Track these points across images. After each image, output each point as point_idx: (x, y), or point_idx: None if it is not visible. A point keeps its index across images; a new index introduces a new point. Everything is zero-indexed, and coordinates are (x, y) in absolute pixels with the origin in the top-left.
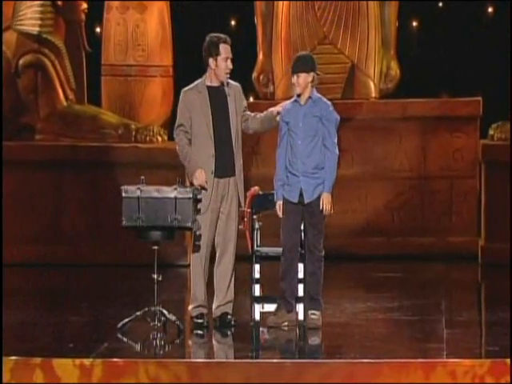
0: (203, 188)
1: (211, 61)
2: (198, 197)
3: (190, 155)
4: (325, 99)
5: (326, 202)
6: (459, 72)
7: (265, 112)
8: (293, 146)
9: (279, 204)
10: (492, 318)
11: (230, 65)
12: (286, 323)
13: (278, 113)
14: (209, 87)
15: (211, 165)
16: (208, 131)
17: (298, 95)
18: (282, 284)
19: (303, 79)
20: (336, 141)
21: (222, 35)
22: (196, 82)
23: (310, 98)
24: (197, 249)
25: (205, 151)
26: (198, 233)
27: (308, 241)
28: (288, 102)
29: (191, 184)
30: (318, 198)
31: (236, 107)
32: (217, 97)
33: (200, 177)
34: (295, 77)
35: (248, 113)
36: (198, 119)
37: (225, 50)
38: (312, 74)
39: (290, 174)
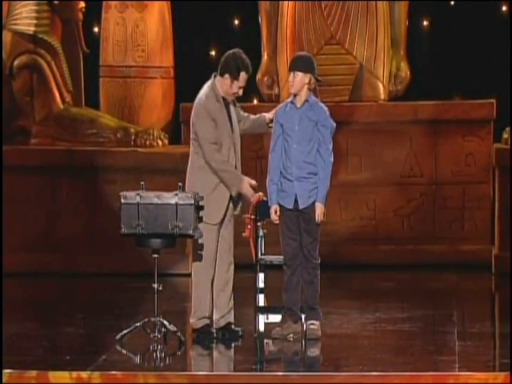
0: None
1: (228, 77)
2: (200, 204)
3: (228, 166)
4: (322, 104)
5: (319, 213)
6: (472, 73)
7: (258, 115)
8: (287, 149)
9: (274, 208)
10: (506, 330)
11: (240, 92)
12: (291, 335)
13: (271, 120)
14: (222, 97)
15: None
16: (231, 142)
17: (295, 95)
18: (285, 294)
19: (299, 79)
20: (331, 148)
21: (246, 61)
22: (209, 91)
23: (306, 101)
24: (199, 258)
25: (231, 162)
26: (200, 241)
27: (303, 248)
28: (282, 104)
29: (239, 195)
30: (313, 203)
31: (236, 117)
32: (227, 107)
33: (249, 186)
34: (292, 75)
35: (242, 113)
36: (221, 129)
37: (243, 79)
38: (309, 75)
39: (284, 179)
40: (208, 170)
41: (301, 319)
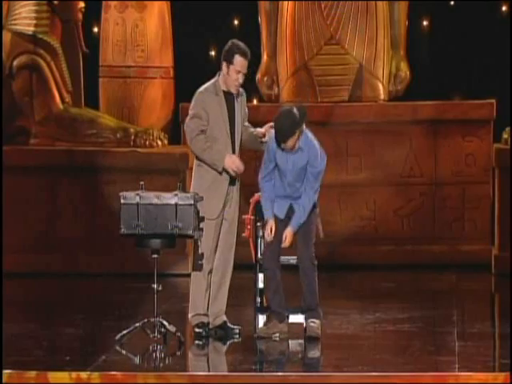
0: (235, 172)
1: (224, 65)
2: (199, 205)
3: (211, 145)
4: (314, 143)
5: (288, 238)
6: (472, 73)
7: (252, 129)
8: (281, 184)
9: (271, 224)
10: (506, 330)
11: (240, 79)
12: (277, 334)
13: (264, 135)
14: (223, 91)
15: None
16: (228, 136)
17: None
18: (268, 297)
19: (292, 141)
20: (317, 186)
21: (242, 46)
22: (210, 84)
23: (299, 147)
24: (199, 257)
25: None
26: (200, 241)
27: (299, 251)
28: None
29: (224, 171)
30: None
31: (241, 115)
32: (229, 101)
33: (235, 160)
34: (283, 145)
35: (246, 123)
36: (216, 123)
37: (239, 62)
38: (297, 132)
39: (279, 198)
40: (203, 166)
41: (286, 318)
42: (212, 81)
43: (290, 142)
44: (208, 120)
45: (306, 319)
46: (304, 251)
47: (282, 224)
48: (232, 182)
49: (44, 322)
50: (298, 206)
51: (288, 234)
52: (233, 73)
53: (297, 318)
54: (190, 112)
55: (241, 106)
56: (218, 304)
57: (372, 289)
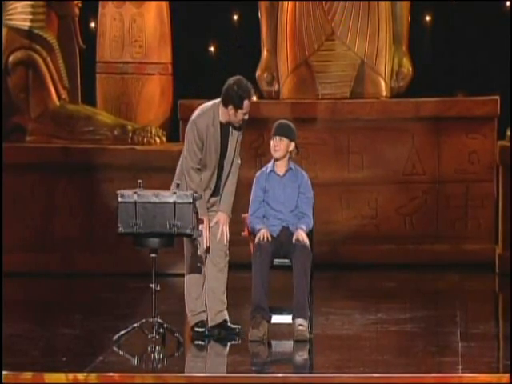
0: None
1: (230, 108)
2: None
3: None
4: (301, 170)
5: (302, 234)
6: (475, 70)
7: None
8: (272, 213)
9: (263, 231)
10: (510, 331)
11: (246, 116)
12: (266, 335)
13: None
14: (220, 122)
15: (206, 197)
16: (216, 166)
17: (275, 161)
18: (253, 294)
19: (285, 145)
20: (311, 216)
21: (248, 87)
22: (208, 109)
23: (290, 168)
24: (189, 255)
25: (207, 184)
26: (198, 240)
27: (296, 258)
28: (262, 171)
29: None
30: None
31: (235, 145)
32: (224, 133)
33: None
34: (277, 139)
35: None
36: (208, 152)
37: (247, 106)
38: (293, 143)
39: (271, 220)
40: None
41: (270, 317)
42: (210, 106)
43: (283, 143)
44: (202, 149)
45: (293, 319)
46: (303, 254)
47: (276, 240)
48: (214, 193)
49: (40, 322)
50: (302, 214)
51: (300, 231)
52: (240, 115)
53: (289, 319)
54: (186, 144)
55: (236, 139)
56: (219, 302)
57: (373, 289)
